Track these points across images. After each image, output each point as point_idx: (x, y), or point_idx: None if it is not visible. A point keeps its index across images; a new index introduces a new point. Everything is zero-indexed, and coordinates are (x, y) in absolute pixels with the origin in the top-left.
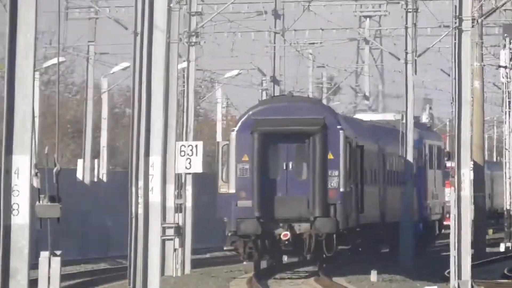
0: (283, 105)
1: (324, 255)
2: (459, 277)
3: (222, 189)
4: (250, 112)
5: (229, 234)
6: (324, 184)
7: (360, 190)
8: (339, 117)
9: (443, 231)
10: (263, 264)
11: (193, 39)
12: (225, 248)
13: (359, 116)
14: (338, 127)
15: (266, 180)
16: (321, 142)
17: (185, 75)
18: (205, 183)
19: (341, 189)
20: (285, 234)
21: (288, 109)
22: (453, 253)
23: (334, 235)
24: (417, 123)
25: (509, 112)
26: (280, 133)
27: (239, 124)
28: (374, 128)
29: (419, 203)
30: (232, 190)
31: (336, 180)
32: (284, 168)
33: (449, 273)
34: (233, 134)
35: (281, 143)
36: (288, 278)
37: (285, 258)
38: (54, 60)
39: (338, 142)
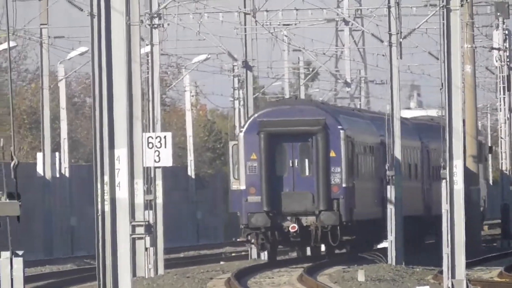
0: (287, 108)
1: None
2: (453, 276)
3: (234, 186)
4: (256, 114)
5: (242, 227)
6: (328, 180)
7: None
8: (341, 117)
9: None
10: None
11: (156, 21)
12: (239, 240)
13: (403, 113)
14: (339, 127)
15: (274, 176)
16: (323, 141)
17: (149, 61)
18: (176, 177)
19: (344, 185)
20: (293, 227)
21: (292, 111)
22: (445, 251)
23: (338, 227)
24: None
25: (504, 98)
26: (285, 133)
27: (247, 125)
28: (415, 126)
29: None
30: (243, 187)
31: (339, 176)
32: (290, 165)
33: (441, 272)
34: (241, 135)
35: (286, 142)
36: (269, 278)
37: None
38: (4, 45)
39: (339, 141)
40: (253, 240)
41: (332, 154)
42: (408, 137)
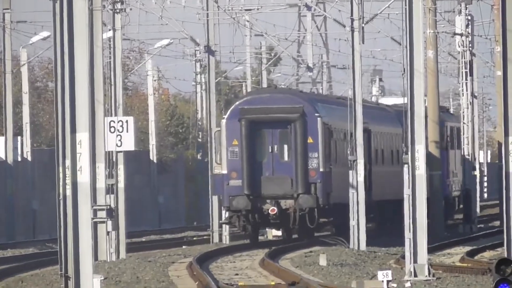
0: (267, 96)
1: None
2: (415, 261)
3: (216, 170)
4: (237, 102)
5: (224, 210)
6: (306, 165)
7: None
8: (319, 105)
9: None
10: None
11: (118, 5)
12: (220, 222)
13: (383, 100)
14: (316, 114)
15: (254, 161)
16: (301, 128)
17: (111, 45)
18: (138, 161)
19: (321, 169)
20: (272, 209)
21: (271, 99)
22: (407, 235)
23: (316, 210)
24: (441, 106)
25: (466, 83)
26: (265, 120)
27: (228, 112)
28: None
29: (442, 182)
30: (224, 171)
31: (316, 161)
32: (270, 151)
33: (404, 256)
34: (223, 122)
35: (266, 129)
36: (231, 263)
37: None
38: None
39: (316, 128)
40: (235, 223)
41: (310, 140)
42: (390, 124)
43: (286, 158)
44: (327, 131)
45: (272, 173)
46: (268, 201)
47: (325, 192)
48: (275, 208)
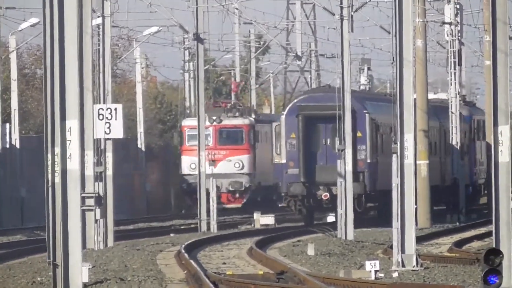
0: (321, 95)
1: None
2: (403, 251)
3: (276, 160)
4: (295, 100)
5: (282, 195)
6: (354, 156)
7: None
8: (367, 103)
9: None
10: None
11: None
12: (280, 205)
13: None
14: (364, 111)
15: (309, 152)
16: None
17: (100, 33)
18: (126, 149)
19: (368, 160)
20: (325, 195)
21: (325, 97)
22: (395, 225)
23: (363, 196)
24: (466, 101)
25: (455, 73)
26: (319, 116)
27: (287, 109)
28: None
29: (469, 170)
30: (284, 161)
31: (364, 153)
32: (323, 143)
33: (391, 246)
34: (283, 117)
35: (320, 123)
36: (219, 252)
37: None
38: None
39: (364, 123)
40: (292, 207)
41: (359, 134)
42: (429, 118)
43: (337, 150)
44: (374, 126)
45: (325, 163)
46: (321, 187)
47: (371, 180)
48: (328, 194)
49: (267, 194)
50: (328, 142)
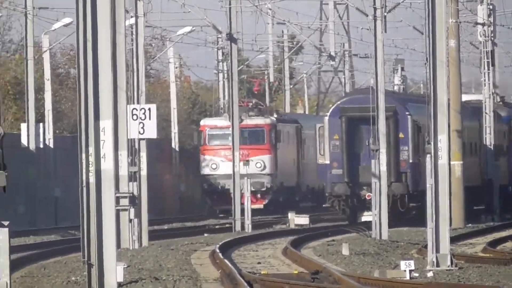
0: (364, 96)
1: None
2: (437, 251)
3: (320, 161)
4: (338, 102)
5: (326, 195)
6: (397, 157)
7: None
8: (409, 105)
9: None
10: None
11: None
12: (324, 206)
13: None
14: (406, 113)
15: (353, 153)
16: (394, 125)
17: (134, 33)
18: (160, 149)
19: (410, 160)
20: (368, 195)
21: (367, 99)
22: (430, 225)
23: (406, 196)
24: (505, 102)
25: (488, 73)
26: (362, 117)
27: (330, 111)
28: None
29: (509, 170)
30: (327, 161)
31: (406, 154)
32: (366, 144)
33: (426, 246)
34: (326, 119)
35: (363, 125)
36: (254, 251)
37: None
38: None
39: (406, 125)
40: (336, 207)
41: (401, 135)
42: (468, 119)
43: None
44: (416, 127)
45: (368, 163)
46: (364, 187)
47: (414, 180)
48: (371, 194)
49: (290, 195)
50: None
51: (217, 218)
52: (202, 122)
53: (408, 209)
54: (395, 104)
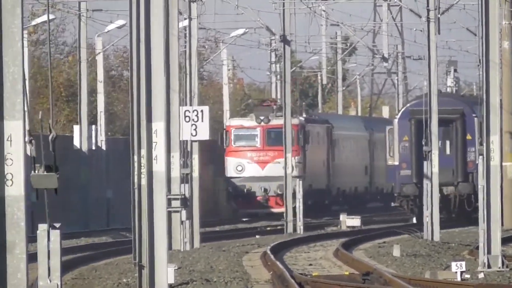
0: None
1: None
2: (489, 252)
3: (389, 162)
4: (408, 105)
5: (395, 195)
6: (464, 158)
7: None
8: (476, 107)
9: None
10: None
11: None
12: (392, 205)
13: None
14: (473, 115)
15: (421, 155)
16: (461, 127)
17: (187, 34)
18: (212, 151)
19: (477, 162)
20: None
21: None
22: (482, 226)
23: (472, 196)
24: None
25: None
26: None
27: (400, 113)
28: None
29: None
30: (397, 162)
31: (473, 155)
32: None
33: (477, 248)
34: (396, 121)
35: None
36: (305, 253)
37: None
38: (43, 18)
39: (473, 127)
40: (404, 206)
41: (468, 137)
42: None
43: (448, 152)
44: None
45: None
46: None
47: None
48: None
49: (319, 198)
50: (439, 144)
51: (269, 219)
52: (228, 123)
53: (475, 208)
54: (462, 106)
